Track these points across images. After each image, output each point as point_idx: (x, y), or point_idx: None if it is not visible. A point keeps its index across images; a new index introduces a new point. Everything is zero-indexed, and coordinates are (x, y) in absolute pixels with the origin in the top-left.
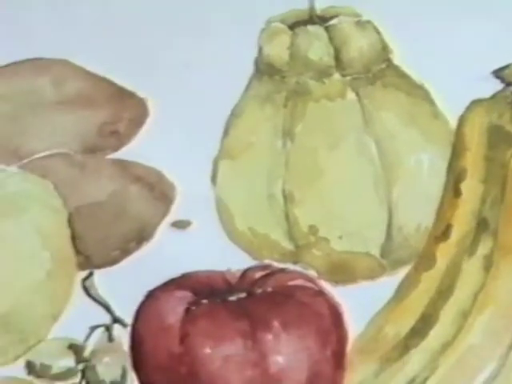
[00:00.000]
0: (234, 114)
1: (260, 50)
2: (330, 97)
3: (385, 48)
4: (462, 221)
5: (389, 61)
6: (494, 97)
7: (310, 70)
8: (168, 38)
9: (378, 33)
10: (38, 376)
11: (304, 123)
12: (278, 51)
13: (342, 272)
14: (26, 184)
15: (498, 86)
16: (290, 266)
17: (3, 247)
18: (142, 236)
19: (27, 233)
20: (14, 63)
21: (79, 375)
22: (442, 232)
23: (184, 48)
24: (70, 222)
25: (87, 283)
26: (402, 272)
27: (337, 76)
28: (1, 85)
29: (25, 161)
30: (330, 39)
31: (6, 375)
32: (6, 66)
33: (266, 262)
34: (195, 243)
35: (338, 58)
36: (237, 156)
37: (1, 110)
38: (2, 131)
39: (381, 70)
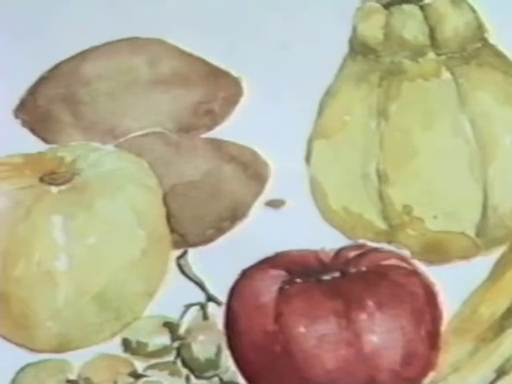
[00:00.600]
0: (329, 94)
1: (354, 29)
2: (424, 76)
3: (480, 27)
4: None
5: (484, 40)
6: None
7: (404, 49)
8: (263, 17)
9: (474, 11)
10: (134, 353)
11: (398, 103)
12: (372, 31)
13: (437, 252)
14: (121, 163)
15: None
16: (383, 246)
17: (100, 225)
18: (236, 215)
19: (123, 211)
20: (111, 42)
21: (174, 353)
22: None
23: (279, 27)
24: (165, 200)
25: (182, 261)
26: (497, 252)
27: (432, 55)
28: (98, 64)
29: (121, 139)
30: (425, 18)
31: (102, 352)
32: (104, 45)
33: (360, 241)
34: (289, 222)
35: (432, 37)
36: (331, 135)
37: (98, 88)
38: (99, 110)
39: (476, 49)
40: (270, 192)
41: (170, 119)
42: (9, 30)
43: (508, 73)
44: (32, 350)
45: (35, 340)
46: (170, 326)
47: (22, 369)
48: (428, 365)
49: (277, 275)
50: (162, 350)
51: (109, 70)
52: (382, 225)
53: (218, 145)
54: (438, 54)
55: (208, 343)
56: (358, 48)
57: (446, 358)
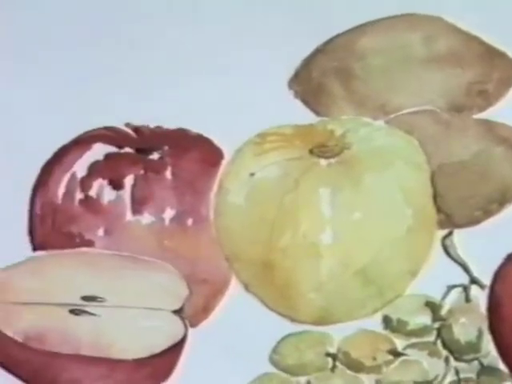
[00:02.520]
0: None
1: None
2: None
3: None
4: None
5: None
6: None
7: None
8: None
9: None
10: (394, 331)
11: None
12: None
13: None
14: (391, 139)
15: None
16: None
17: (367, 200)
18: (504, 198)
19: (391, 188)
20: (389, 18)
21: (434, 333)
22: None
23: None
24: (433, 179)
25: (447, 242)
26: None
27: None
28: (374, 39)
29: (391, 116)
30: None
31: (363, 328)
32: (381, 20)
33: None
34: None
35: None
36: None
37: (372, 63)
38: (372, 85)
39: None
40: None
41: (442, 98)
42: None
43: None
44: (294, 320)
45: (298, 311)
46: (432, 306)
47: (284, 338)
48: None
49: None
50: (423, 330)
51: (384, 46)
52: None
53: (489, 126)
54: None
55: (469, 326)
56: None
57: None
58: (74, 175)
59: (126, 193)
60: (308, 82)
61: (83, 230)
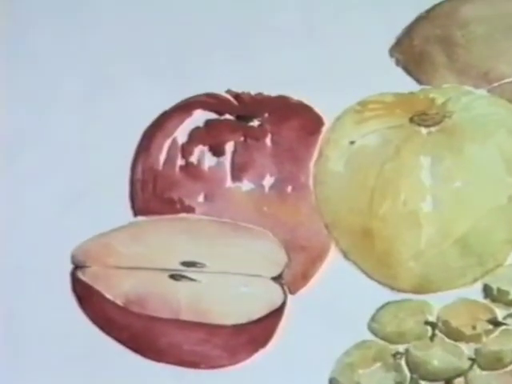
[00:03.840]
0: None
1: None
2: None
3: None
4: None
5: None
6: None
7: None
8: None
9: None
10: (495, 300)
11: None
12: None
13: None
14: (493, 108)
15: None
16: None
17: (467, 170)
18: None
19: (492, 157)
20: None
21: None
22: None
23: None
24: None
25: None
26: None
27: None
28: (478, 7)
29: (494, 84)
30: None
31: (463, 297)
32: None
33: None
34: None
35: None
36: None
37: (475, 31)
38: (475, 53)
39: None
40: None
41: None
42: None
43: None
44: (393, 288)
45: (397, 279)
46: None
47: (383, 306)
48: None
49: None
50: None
51: (487, 13)
52: None
53: None
54: None
55: None
56: None
57: None
58: (174, 141)
59: (227, 159)
60: (410, 50)
61: (184, 195)
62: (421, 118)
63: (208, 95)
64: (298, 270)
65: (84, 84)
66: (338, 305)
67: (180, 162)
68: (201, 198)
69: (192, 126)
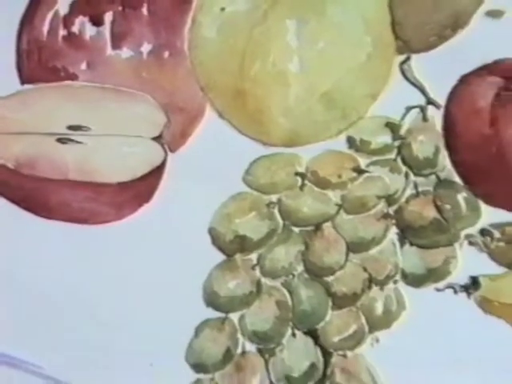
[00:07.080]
0: None
1: None
2: None
3: None
4: None
5: None
6: None
7: None
8: None
9: None
10: (357, 150)
11: None
12: None
13: None
14: None
15: None
16: None
17: (331, 31)
18: (457, 23)
19: (353, 18)
20: None
21: (395, 151)
22: None
23: None
24: (391, 8)
25: (405, 66)
26: None
27: None
28: None
29: None
30: None
31: (329, 148)
32: None
33: None
34: (508, 32)
35: None
36: None
37: None
38: None
39: None
40: (490, 2)
41: None
42: None
43: None
44: (265, 143)
45: (269, 134)
46: (392, 126)
47: (256, 160)
48: None
49: (494, 82)
50: (384, 148)
51: None
52: None
53: None
54: None
55: (427, 143)
56: None
57: None
58: (57, 13)
59: (106, 29)
60: None
61: (67, 64)
62: None
63: None
64: (176, 130)
65: None
66: (214, 160)
67: (62, 32)
68: (83, 66)
69: None
